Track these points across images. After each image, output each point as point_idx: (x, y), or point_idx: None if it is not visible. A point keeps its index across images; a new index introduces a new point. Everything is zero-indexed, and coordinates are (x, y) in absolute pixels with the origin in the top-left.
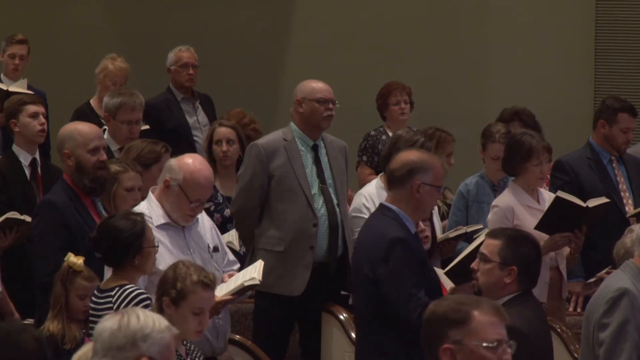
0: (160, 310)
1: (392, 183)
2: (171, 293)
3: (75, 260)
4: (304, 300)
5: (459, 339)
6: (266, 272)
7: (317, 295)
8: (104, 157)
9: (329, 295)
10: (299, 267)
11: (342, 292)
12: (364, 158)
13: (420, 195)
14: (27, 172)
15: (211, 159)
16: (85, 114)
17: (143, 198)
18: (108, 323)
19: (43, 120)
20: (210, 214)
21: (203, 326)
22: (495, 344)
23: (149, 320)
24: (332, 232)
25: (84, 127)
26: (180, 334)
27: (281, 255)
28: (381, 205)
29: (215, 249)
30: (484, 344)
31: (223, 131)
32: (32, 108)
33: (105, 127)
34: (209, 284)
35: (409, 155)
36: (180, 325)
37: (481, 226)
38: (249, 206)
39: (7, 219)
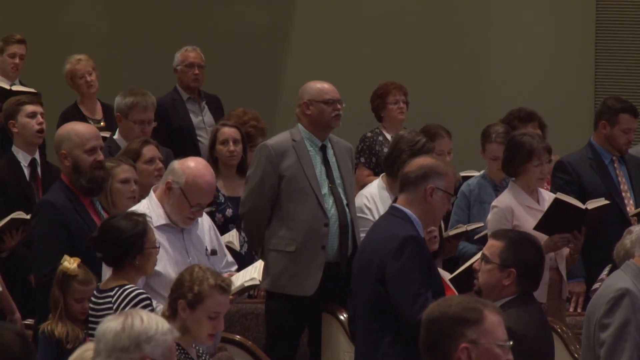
0: (173, 312)
1: (406, 185)
2: (188, 296)
3: (68, 265)
4: (315, 300)
5: (475, 338)
6: (278, 272)
7: (328, 295)
8: (101, 157)
9: (339, 296)
10: (311, 267)
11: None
12: (362, 159)
13: (432, 199)
14: (27, 172)
15: (213, 159)
16: (72, 117)
17: (142, 196)
18: (112, 324)
19: (41, 119)
20: (212, 214)
21: (217, 330)
22: (506, 343)
23: (153, 323)
24: (342, 232)
25: (80, 128)
26: (192, 337)
27: (293, 255)
28: (392, 206)
29: (213, 252)
30: (499, 343)
31: (229, 131)
32: (30, 108)
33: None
34: (226, 289)
35: (425, 160)
36: (194, 328)
37: (481, 224)
38: (259, 207)
39: (13, 219)
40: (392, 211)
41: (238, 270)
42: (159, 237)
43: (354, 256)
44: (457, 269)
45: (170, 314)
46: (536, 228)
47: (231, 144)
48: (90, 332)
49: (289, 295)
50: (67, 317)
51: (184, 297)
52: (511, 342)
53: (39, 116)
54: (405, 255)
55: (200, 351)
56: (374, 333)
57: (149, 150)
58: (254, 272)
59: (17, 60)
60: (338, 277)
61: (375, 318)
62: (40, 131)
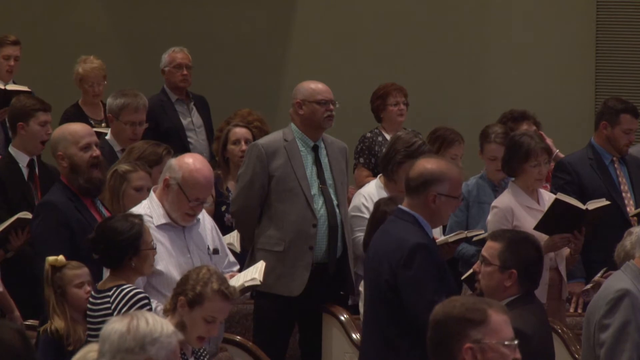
0: (174, 307)
1: (408, 191)
2: (189, 294)
3: (55, 257)
4: (303, 300)
5: (479, 338)
6: (266, 272)
7: (316, 296)
8: (97, 152)
9: (328, 296)
10: (298, 268)
11: (341, 293)
12: (361, 160)
13: (436, 205)
14: (25, 172)
15: (224, 159)
16: (74, 117)
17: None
18: (117, 325)
19: (50, 130)
20: (221, 214)
21: (211, 334)
22: (513, 342)
23: (158, 325)
24: (331, 232)
25: (74, 126)
26: (184, 336)
27: (280, 255)
28: (399, 209)
29: (215, 251)
30: (505, 342)
31: (241, 131)
32: (42, 117)
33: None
34: (228, 296)
35: (426, 164)
36: (188, 327)
37: (482, 231)
38: (249, 206)
39: (18, 219)
40: (400, 214)
41: (240, 270)
42: (160, 237)
43: (343, 257)
44: (456, 270)
45: (172, 308)
46: (536, 228)
47: (243, 144)
48: (89, 332)
49: (276, 294)
50: (70, 315)
51: (184, 294)
52: (517, 341)
53: (48, 126)
54: (416, 264)
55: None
56: (392, 339)
57: None
58: (255, 273)
59: (11, 62)
60: (326, 277)
61: (393, 324)
62: (44, 142)
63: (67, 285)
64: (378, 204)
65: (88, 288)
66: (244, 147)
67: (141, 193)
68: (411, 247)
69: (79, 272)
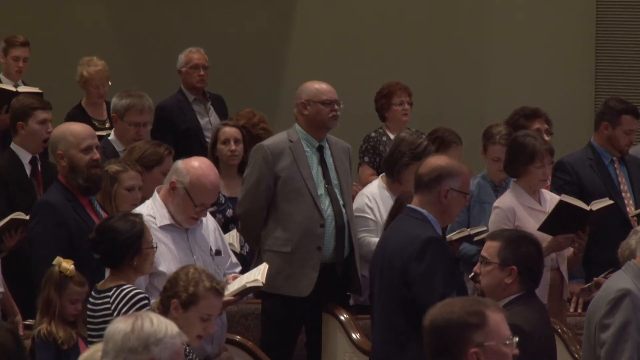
0: (164, 311)
1: (420, 187)
2: (182, 296)
3: (67, 265)
4: (311, 301)
5: (481, 341)
6: (273, 273)
7: (324, 296)
8: (97, 155)
9: (335, 297)
10: (306, 268)
11: (348, 293)
12: (366, 159)
13: (447, 201)
14: (28, 169)
15: (214, 158)
16: (77, 118)
17: (144, 198)
18: (121, 325)
19: (50, 128)
20: (212, 214)
21: (207, 332)
22: (511, 340)
23: (162, 325)
24: (338, 232)
25: (76, 127)
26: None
27: (288, 256)
28: (408, 207)
29: (218, 252)
30: (505, 342)
31: (230, 131)
32: (41, 115)
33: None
34: (221, 292)
35: (438, 161)
36: (185, 329)
37: (484, 228)
38: (255, 207)
39: (12, 219)
40: (409, 212)
41: (242, 271)
42: (163, 237)
43: (350, 257)
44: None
45: (162, 311)
46: (540, 229)
47: (232, 143)
48: (88, 332)
49: (284, 295)
50: (59, 319)
51: (177, 297)
52: (517, 339)
53: (48, 124)
54: (428, 256)
55: (187, 350)
56: (400, 334)
57: (170, 162)
58: (258, 274)
59: (20, 64)
60: (334, 278)
61: (401, 319)
62: (46, 140)
63: (64, 296)
64: (401, 200)
65: (80, 307)
66: (233, 146)
67: (132, 193)
68: (423, 241)
69: (79, 289)
